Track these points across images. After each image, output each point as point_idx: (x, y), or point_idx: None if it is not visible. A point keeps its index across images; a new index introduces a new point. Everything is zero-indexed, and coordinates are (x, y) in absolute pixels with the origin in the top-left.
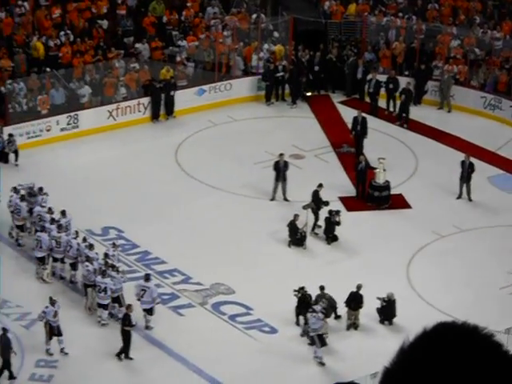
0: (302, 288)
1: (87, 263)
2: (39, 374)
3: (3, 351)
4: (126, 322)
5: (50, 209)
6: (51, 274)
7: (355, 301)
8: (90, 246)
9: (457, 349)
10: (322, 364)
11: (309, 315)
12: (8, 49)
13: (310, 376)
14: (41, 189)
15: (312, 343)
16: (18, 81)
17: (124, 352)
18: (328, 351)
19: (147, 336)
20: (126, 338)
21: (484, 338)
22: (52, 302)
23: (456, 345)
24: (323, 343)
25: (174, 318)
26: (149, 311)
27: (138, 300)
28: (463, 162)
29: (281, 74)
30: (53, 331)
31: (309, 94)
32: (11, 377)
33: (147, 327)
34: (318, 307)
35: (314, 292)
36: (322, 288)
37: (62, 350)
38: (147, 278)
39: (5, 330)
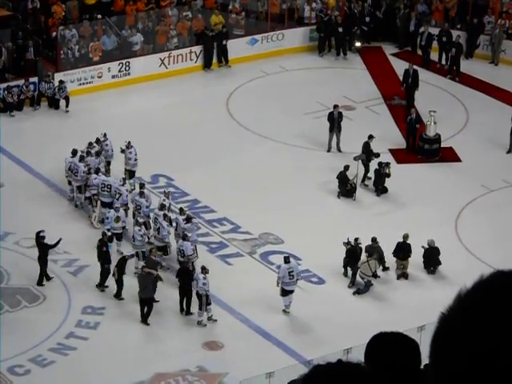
0: (356, 240)
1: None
2: (86, 321)
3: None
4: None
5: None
6: (100, 221)
7: (403, 250)
8: (141, 194)
9: None
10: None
11: None
12: None
13: (355, 326)
14: (104, 135)
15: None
16: (70, 27)
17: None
18: (377, 301)
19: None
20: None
21: None
22: (205, 271)
23: None
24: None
25: (222, 266)
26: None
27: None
28: None
29: (340, 28)
30: (207, 300)
31: (358, 44)
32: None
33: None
34: None
35: (362, 244)
36: (374, 240)
37: (210, 318)
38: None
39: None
